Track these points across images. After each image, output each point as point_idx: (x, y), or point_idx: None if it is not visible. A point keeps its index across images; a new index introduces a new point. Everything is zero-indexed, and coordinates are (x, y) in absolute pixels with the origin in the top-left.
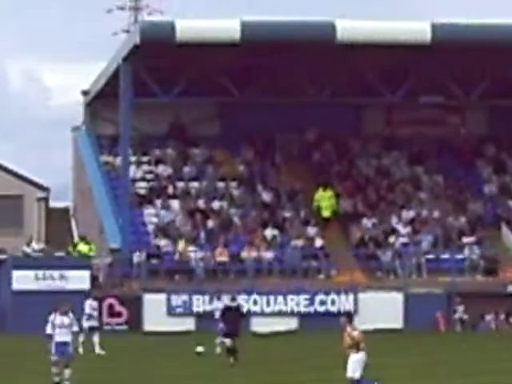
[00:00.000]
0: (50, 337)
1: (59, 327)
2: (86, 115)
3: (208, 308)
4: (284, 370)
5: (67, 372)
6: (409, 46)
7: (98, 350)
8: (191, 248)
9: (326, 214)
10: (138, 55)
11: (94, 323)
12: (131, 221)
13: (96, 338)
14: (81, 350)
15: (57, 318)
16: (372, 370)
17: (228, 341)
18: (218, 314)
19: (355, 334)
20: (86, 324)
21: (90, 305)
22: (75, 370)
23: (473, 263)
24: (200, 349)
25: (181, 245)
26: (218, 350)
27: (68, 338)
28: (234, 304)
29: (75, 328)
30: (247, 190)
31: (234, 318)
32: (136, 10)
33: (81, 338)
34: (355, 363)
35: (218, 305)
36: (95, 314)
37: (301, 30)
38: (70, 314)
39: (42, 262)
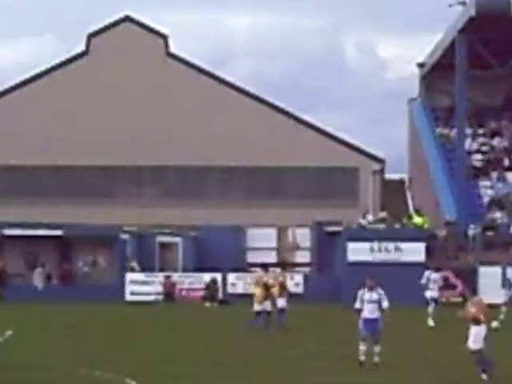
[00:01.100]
0: (359, 312)
1: (367, 303)
2: (421, 87)
3: None
4: None
5: (377, 348)
6: None
7: (430, 322)
8: None
9: None
10: (474, 27)
11: (431, 294)
12: (466, 193)
13: (430, 310)
14: (431, 323)
15: (365, 294)
16: None
17: None
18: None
19: (475, 308)
20: (427, 295)
21: (426, 276)
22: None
23: None
24: (495, 324)
25: None
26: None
27: (376, 315)
28: None
29: (385, 304)
30: None
31: None
32: None
33: (430, 309)
34: (476, 336)
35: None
36: (432, 286)
37: None
38: (379, 290)
39: (376, 234)
